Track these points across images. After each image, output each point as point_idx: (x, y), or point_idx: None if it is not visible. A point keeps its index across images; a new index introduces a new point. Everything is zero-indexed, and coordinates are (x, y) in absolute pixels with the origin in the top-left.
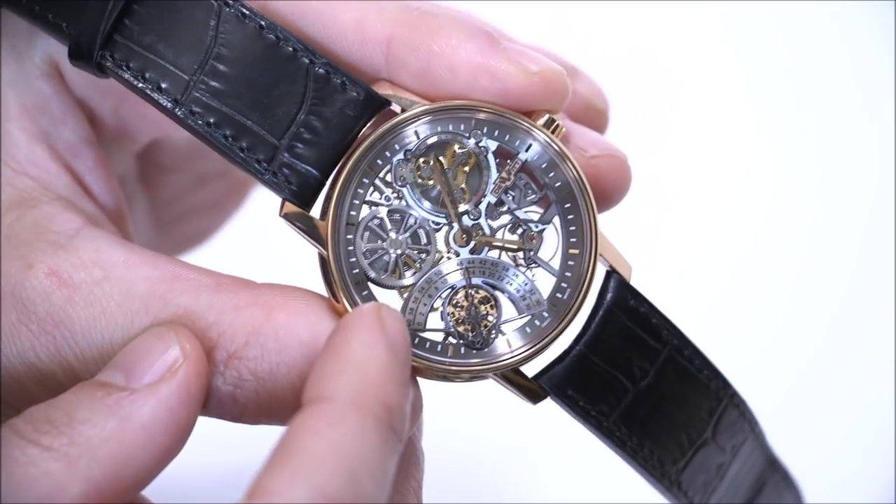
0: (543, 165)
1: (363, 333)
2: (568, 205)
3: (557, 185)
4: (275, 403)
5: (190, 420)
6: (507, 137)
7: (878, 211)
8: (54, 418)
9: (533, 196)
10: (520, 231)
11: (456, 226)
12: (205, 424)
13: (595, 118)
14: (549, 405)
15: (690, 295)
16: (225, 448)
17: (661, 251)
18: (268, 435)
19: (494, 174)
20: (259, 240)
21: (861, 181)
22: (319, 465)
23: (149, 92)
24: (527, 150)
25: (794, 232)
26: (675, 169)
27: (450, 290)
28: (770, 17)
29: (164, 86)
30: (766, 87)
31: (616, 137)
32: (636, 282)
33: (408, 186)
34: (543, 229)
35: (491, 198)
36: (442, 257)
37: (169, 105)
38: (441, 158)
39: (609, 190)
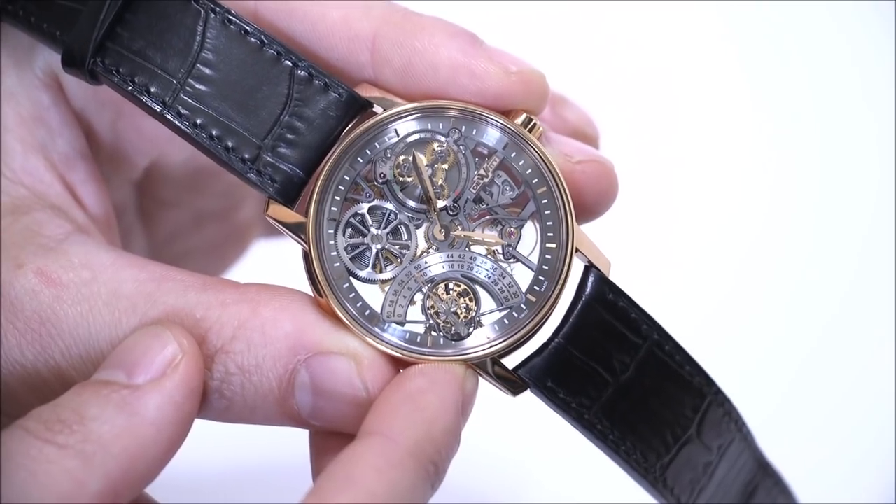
0: (513, 154)
1: (444, 390)
2: (545, 200)
3: (535, 181)
4: (259, 398)
5: (193, 413)
6: (474, 132)
7: (877, 209)
8: (64, 417)
9: (511, 192)
10: (498, 227)
11: (435, 221)
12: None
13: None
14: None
15: (690, 298)
16: (219, 447)
17: (657, 252)
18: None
19: (473, 171)
20: (245, 259)
21: (859, 182)
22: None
23: (137, 95)
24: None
25: (791, 233)
26: (668, 169)
27: (429, 283)
28: (769, 17)
29: (152, 89)
30: (764, 87)
31: (610, 138)
32: (631, 282)
33: (388, 183)
34: (522, 225)
35: (470, 194)
36: (422, 252)
37: (157, 108)
38: (421, 155)
39: (595, 196)
